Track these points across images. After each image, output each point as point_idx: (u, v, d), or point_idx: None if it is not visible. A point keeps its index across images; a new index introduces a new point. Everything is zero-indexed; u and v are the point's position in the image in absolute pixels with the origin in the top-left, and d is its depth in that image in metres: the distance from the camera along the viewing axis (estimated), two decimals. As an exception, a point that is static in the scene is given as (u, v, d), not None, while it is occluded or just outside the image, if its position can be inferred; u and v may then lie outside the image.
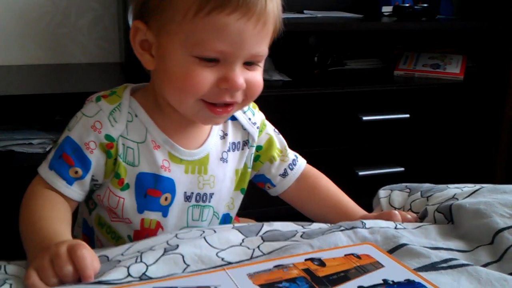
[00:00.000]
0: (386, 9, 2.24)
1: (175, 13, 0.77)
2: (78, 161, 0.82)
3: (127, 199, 0.85)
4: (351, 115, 1.95)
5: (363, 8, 2.28)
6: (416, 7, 2.10)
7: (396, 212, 0.88)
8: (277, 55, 2.11)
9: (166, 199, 0.87)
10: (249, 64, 0.80)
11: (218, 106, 0.81)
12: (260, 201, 1.22)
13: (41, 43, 2.05)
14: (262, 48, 0.80)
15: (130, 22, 0.87)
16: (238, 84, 0.78)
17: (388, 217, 0.87)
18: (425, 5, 2.12)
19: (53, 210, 0.79)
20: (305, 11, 2.18)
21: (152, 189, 0.85)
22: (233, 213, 0.97)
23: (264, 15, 0.77)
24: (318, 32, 2.23)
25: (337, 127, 1.97)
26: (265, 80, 1.89)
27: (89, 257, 0.64)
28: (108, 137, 0.83)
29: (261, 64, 0.83)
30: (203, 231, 0.77)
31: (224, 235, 0.75)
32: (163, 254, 0.68)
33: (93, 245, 0.92)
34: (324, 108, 1.95)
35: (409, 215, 0.89)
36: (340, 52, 2.23)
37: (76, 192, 0.83)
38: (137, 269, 0.65)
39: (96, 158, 0.83)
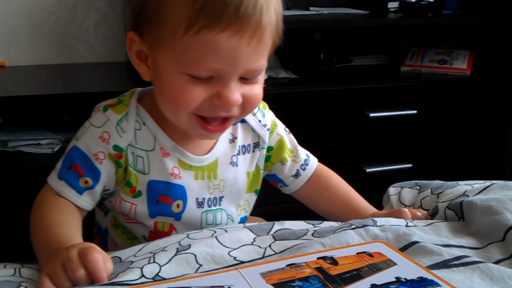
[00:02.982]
0: (392, 5, 2.24)
1: (166, 30, 0.74)
2: (88, 171, 0.81)
3: (139, 206, 0.85)
4: (358, 111, 1.95)
5: (369, 4, 2.28)
6: (422, 2, 2.09)
7: (406, 210, 0.88)
8: (283, 53, 2.09)
9: (178, 206, 0.86)
10: (247, 78, 0.77)
11: (210, 124, 0.79)
12: (268, 199, 1.22)
13: (47, 43, 2.06)
14: (259, 64, 0.76)
15: None
16: (233, 100, 0.75)
17: (398, 214, 0.86)
18: (431, 0, 2.11)
19: (63, 215, 0.78)
20: (310, 8, 2.18)
21: (163, 196, 0.85)
22: (248, 215, 0.97)
23: (259, 30, 0.72)
24: (324, 29, 2.22)
25: (344, 124, 1.97)
26: (271, 78, 1.92)
27: (101, 259, 0.64)
28: (116, 147, 0.82)
29: (260, 77, 0.80)
30: (214, 231, 0.77)
31: (236, 234, 0.75)
32: (175, 254, 0.68)
33: (106, 246, 0.92)
34: (331, 105, 1.95)
35: (419, 213, 0.88)
36: (346, 49, 2.22)
37: (86, 201, 0.83)
38: (150, 270, 0.65)
39: (105, 168, 0.82)
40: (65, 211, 0.80)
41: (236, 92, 0.75)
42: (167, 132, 0.85)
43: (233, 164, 0.91)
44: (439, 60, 2.17)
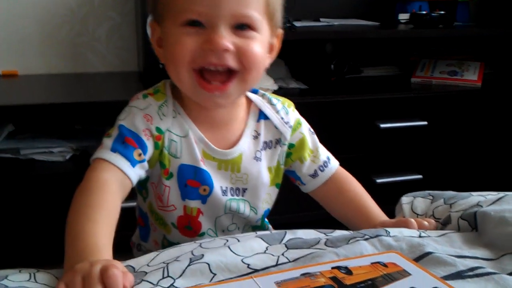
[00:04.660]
0: (403, 16, 2.25)
1: None
2: (140, 145, 0.85)
3: (172, 188, 0.91)
4: (369, 122, 1.95)
5: (379, 15, 2.29)
6: (433, 14, 2.10)
7: (413, 220, 0.88)
8: (294, 63, 2.12)
9: (204, 190, 0.91)
10: (240, 28, 0.82)
11: (210, 83, 0.83)
12: (278, 209, 1.22)
13: (60, 53, 2.08)
14: (247, 11, 0.82)
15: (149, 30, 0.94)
16: (221, 44, 0.80)
17: (404, 225, 0.86)
18: (442, 12, 2.12)
19: (103, 212, 0.75)
20: (321, 19, 2.19)
21: (192, 180, 0.90)
22: (271, 207, 1.02)
23: None
24: (335, 40, 2.23)
25: (354, 134, 1.97)
26: (282, 88, 1.92)
27: (120, 276, 0.62)
28: (158, 129, 0.87)
29: (256, 34, 0.84)
30: (227, 240, 0.77)
31: (248, 244, 0.75)
32: (189, 265, 0.68)
33: (148, 228, 1.00)
34: (342, 116, 1.95)
35: (426, 222, 0.88)
36: (357, 60, 2.23)
37: (136, 174, 0.84)
38: (164, 283, 0.64)
39: (150, 144, 0.87)
40: (107, 207, 0.77)
41: (226, 38, 0.81)
42: (196, 124, 0.90)
43: (257, 159, 0.95)
44: (450, 72, 2.18)
